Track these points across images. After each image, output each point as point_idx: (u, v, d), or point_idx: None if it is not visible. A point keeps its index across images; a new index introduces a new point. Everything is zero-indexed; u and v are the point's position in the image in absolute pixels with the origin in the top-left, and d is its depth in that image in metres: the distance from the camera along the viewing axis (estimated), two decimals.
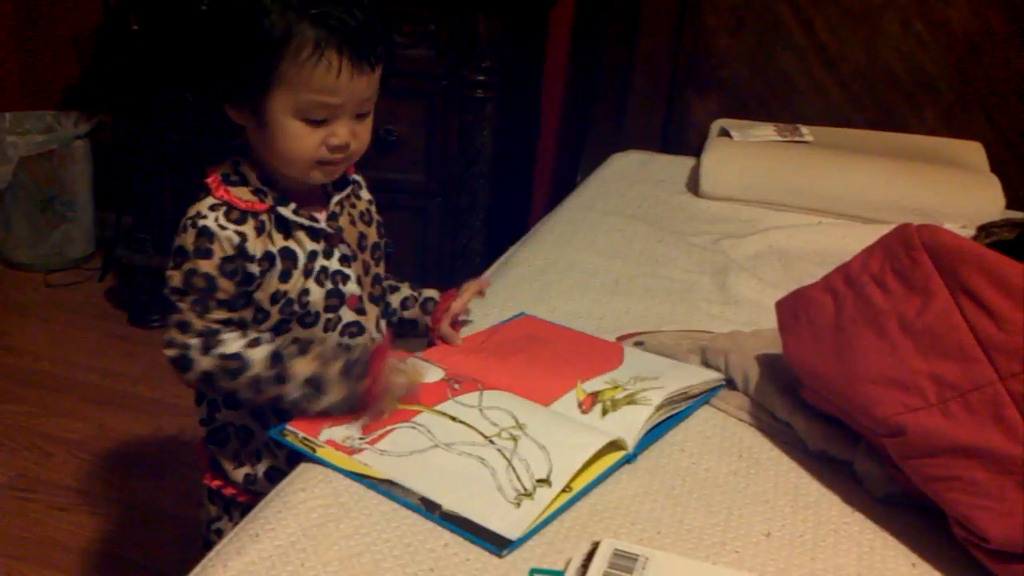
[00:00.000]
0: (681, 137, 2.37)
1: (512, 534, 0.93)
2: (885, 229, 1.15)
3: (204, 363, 1.09)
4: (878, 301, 1.06)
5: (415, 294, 1.33)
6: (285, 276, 1.14)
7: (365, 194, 1.28)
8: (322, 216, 1.18)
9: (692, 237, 1.81)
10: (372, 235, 1.26)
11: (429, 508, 0.97)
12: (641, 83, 2.35)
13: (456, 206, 2.31)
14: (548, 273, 1.61)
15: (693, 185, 2.05)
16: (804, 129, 2.16)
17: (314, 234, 1.16)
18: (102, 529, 1.94)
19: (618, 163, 2.22)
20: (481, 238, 2.34)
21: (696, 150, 2.16)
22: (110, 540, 1.92)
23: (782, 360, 1.20)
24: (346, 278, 1.19)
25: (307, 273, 1.15)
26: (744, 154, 2.05)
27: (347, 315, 1.20)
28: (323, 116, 1.08)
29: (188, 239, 1.10)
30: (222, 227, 1.10)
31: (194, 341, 1.10)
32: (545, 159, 2.75)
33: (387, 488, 0.99)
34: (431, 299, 1.32)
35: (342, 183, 1.22)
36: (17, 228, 2.93)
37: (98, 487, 2.06)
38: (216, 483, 1.26)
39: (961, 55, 2.16)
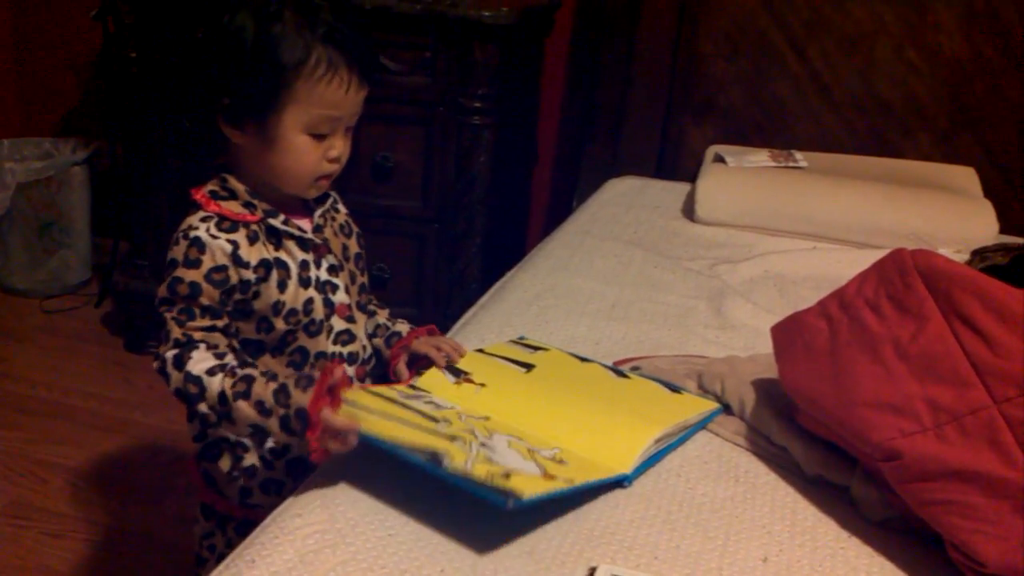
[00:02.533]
0: (677, 163, 2.38)
1: (523, 493, 0.92)
2: (880, 254, 1.15)
3: (176, 378, 1.09)
4: (873, 326, 1.07)
5: (387, 323, 1.33)
6: (282, 286, 1.16)
7: (342, 207, 1.32)
8: (307, 227, 1.22)
9: (688, 262, 1.82)
10: (353, 246, 1.30)
11: (436, 462, 0.96)
12: (637, 109, 2.37)
13: (453, 232, 2.32)
14: (545, 298, 1.61)
15: (689, 211, 2.06)
16: (799, 155, 2.17)
17: (303, 244, 1.20)
18: (97, 556, 1.93)
19: (614, 189, 2.23)
20: (478, 264, 2.35)
21: (691, 176, 2.17)
22: (105, 567, 1.91)
23: (778, 385, 1.21)
24: (335, 287, 1.23)
25: (304, 283, 1.19)
26: (739, 180, 2.06)
27: (338, 324, 1.23)
28: (327, 130, 1.14)
29: (179, 251, 1.13)
30: (214, 236, 1.13)
31: (169, 353, 1.10)
32: (541, 185, 2.76)
33: (396, 444, 1.00)
34: (397, 334, 1.31)
35: (322, 196, 1.25)
36: (14, 254, 2.93)
37: (93, 514, 2.05)
38: (210, 499, 1.27)
39: (954, 82, 2.18)
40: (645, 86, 2.36)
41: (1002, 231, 1.94)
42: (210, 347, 1.11)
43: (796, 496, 1.11)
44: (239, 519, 1.26)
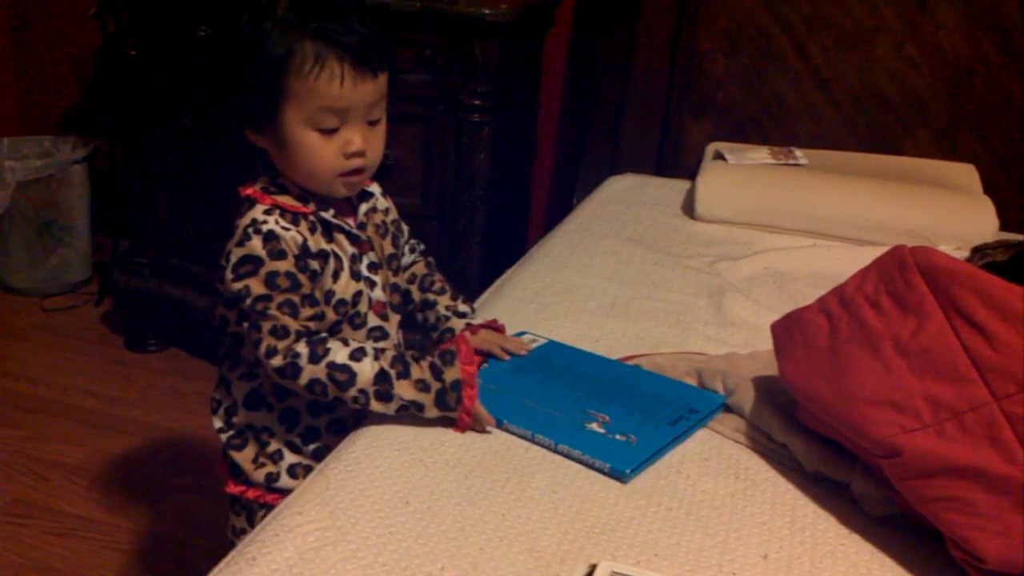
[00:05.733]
0: (676, 160, 2.38)
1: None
2: (879, 251, 1.15)
3: (313, 371, 1.12)
4: (873, 322, 1.07)
5: (445, 314, 1.36)
6: (336, 276, 1.19)
7: (382, 203, 1.33)
8: (352, 224, 1.24)
9: (688, 259, 1.81)
10: (388, 246, 1.31)
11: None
12: (636, 106, 2.37)
13: (453, 229, 2.32)
14: (545, 295, 1.61)
15: (688, 208, 2.06)
16: (798, 152, 2.17)
17: (351, 238, 1.23)
18: (98, 555, 1.93)
19: (614, 186, 2.23)
20: (478, 260, 2.35)
21: (691, 173, 2.17)
22: (106, 566, 1.91)
23: (778, 382, 1.21)
24: (373, 284, 1.26)
25: (355, 276, 1.22)
26: (739, 177, 2.06)
27: (372, 320, 1.26)
28: (334, 124, 1.13)
29: (256, 245, 1.13)
30: (285, 228, 1.15)
31: (302, 348, 1.12)
32: (541, 182, 2.76)
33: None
34: (450, 331, 1.35)
35: (365, 194, 1.28)
36: (14, 253, 2.93)
37: (95, 512, 2.05)
38: (238, 489, 1.29)
39: (954, 78, 2.18)
40: (644, 83, 2.35)
41: (1002, 228, 1.94)
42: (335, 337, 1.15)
43: (796, 493, 1.11)
44: (269, 505, 1.27)
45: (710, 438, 1.21)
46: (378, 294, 1.26)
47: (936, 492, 0.95)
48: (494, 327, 1.37)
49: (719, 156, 2.17)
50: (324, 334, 1.15)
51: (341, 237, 1.22)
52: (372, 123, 1.17)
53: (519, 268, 1.77)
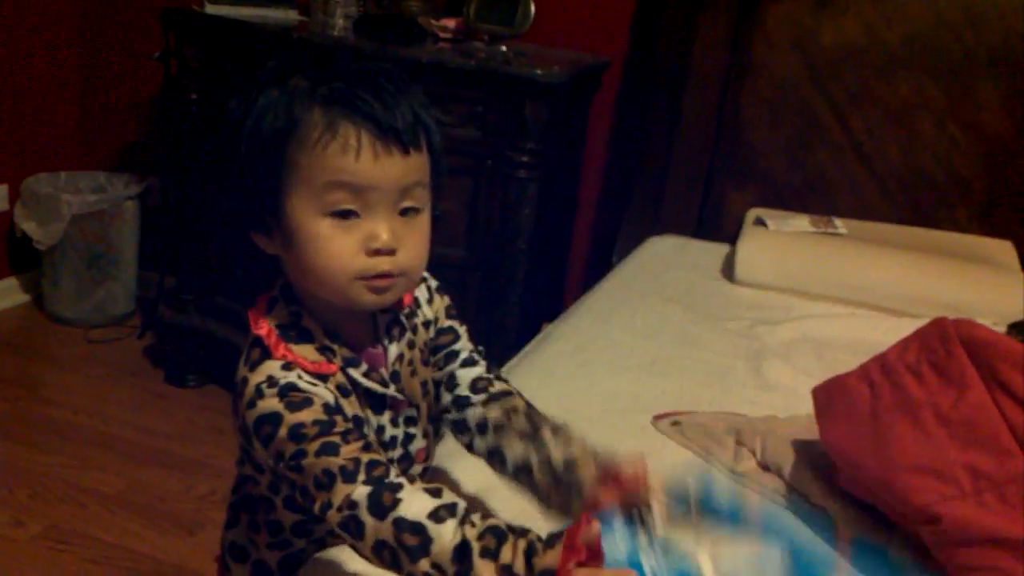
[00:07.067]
0: (717, 224, 2.42)
1: None
2: (917, 322, 1.18)
3: (377, 529, 0.82)
4: (914, 391, 1.10)
5: (566, 459, 0.94)
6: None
7: (424, 313, 1.07)
8: (384, 374, 1.00)
9: (727, 322, 1.85)
10: (427, 372, 1.07)
11: None
12: (679, 171, 2.42)
13: (495, 281, 2.36)
14: (587, 350, 1.65)
15: (728, 271, 2.09)
16: (838, 221, 2.21)
17: (378, 405, 0.99)
18: None
19: (654, 246, 2.27)
20: (517, 312, 2.39)
21: (731, 237, 2.21)
22: None
23: (817, 446, 1.23)
24: (411, 437, 1.03)
25: (386, 446, 1.00)
26: (779, 243, 2.10)
27: (416, 469, 1.05)
28: (351, 207, 0.89)
29: (271, 404, 0.88)
30: (311, 383, 0.90)
31: (359, 492, 0.83)
32: (581, 239, 2.81)
33: None
34: (578, 480, 0.93)
35: (400, 328, 1.02)
36: (63, 283, 3.01)
37: (130, 541, 2.08)
38: None
39: (994, 156, 2.21)
40: (688, 148, 2.41)
41: None
42: (400, 474, 0.86)
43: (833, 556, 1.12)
44: None
45: (749, 499, 1.23)
46: (418, 444, 1.04)
47: (974, 561, 0.96)
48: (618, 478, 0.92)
49: (760, 222, 2.21)
50: (394, 476, 0.85)
51: (367, 404, 0.98)
52: (406, 214, 0.92)
53: (560, 322, 1.81)
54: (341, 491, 0.83)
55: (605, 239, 2.67)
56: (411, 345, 1.03)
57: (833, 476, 1.19)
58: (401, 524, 0.81)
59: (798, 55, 2.29)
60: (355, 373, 0.95)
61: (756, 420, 1.39)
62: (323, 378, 0.92)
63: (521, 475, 0.97)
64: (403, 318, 1.03)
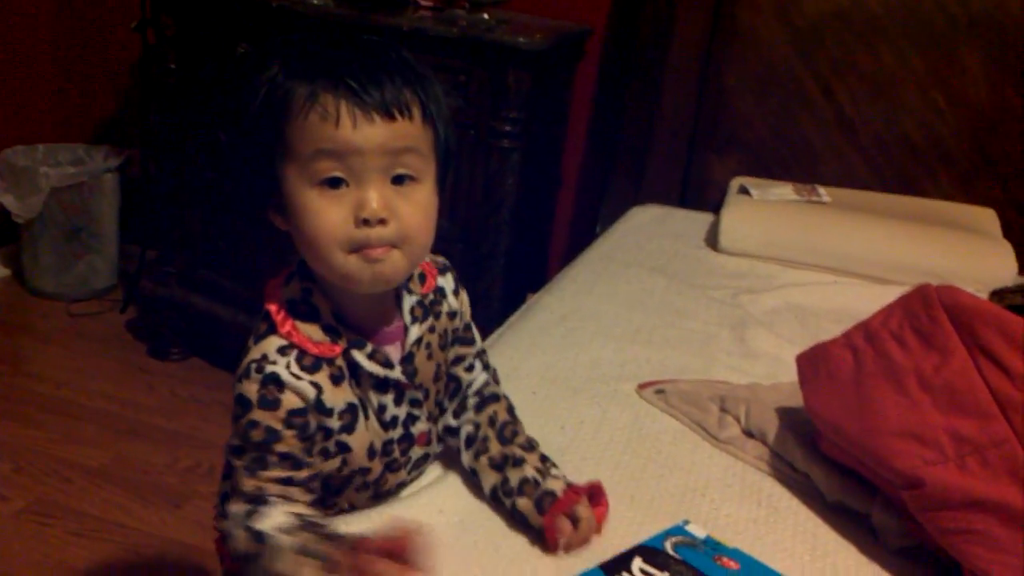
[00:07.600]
0: (700, 193, 2.42)
1: None
2: (899, 290, 1.19)
3: (238, 539, 0.91)
4: (897, 357, 1.10)
5: (536, 477, 1.04)
6: (350, 428, 0.99)
7: (449, 303, 1.09)
8: (395, 354, 1.02)
9: (711, 291, 1.85)
10: (442, 357, 1.09)
11: None
12: (662, 140, 2.41)
13: (478, 252, 2.35)
14: (570, 320, 1.64)
15: (712, 240, 2.09)
16: (822, 190, 2.21)
17: (382, 386, 1.01)
18: (118, 557, 1.96)
19: (638, 216, 2.27)
20: (500, 283, 2.38)
21: (714, 207, 2.21)
22: (126, 568, 1.94)
23: (800, 413, 1.24)
24: (415, 418, 1.06)
25: (386, 425, 1.03)
26: (763, 212, 2.10)
27: (416, 452, 1.08)
28: (338, 174, 0.90)
29: (252, 388, 0.93)
30: (295, 376, 0.94)
31: (237, 509, 0.93)
32: (564, 209, 2.80)
33: None
34: (550, 494, 1.02)
35: (424, 311, 1.04)
36: (43, 257, 2.98)
37: (115, 515, 2.08)
38: (235, 568, 1.09)
39: (977, 125, 2.22)
40: (671, 117, 2.40)
41: (1021, 272, 1.97)
42: (288, 499, 0.93)
43: (817, 521, 1.13)
44: None
45: (732, 464, 1.24)
46: (421, 426, 1.07)
47: (956, 525, 0.97)
48: (596, 491, 1.06)
49: (743, 191, 2.21)
50: (274, 496, 0.93)
51: (369, 385, 1.00)
52: (401, 182, 0.92)
53: (545, 293, 1.81)
54: (231, 506, 0.93)
55: (589, 209, 2.67)
56: (432, 330, 1.05)
57: (816, 442, 1.19)
58: (250, 532, 0.90)
59: (782, 21, 2.28)
60: (358, 355, 0.97)
61: (740, 387, 1.40)
62: (323, 361, 0.95)
63: (495, 503, 1.07)
64: (427, 303, 1.05)
